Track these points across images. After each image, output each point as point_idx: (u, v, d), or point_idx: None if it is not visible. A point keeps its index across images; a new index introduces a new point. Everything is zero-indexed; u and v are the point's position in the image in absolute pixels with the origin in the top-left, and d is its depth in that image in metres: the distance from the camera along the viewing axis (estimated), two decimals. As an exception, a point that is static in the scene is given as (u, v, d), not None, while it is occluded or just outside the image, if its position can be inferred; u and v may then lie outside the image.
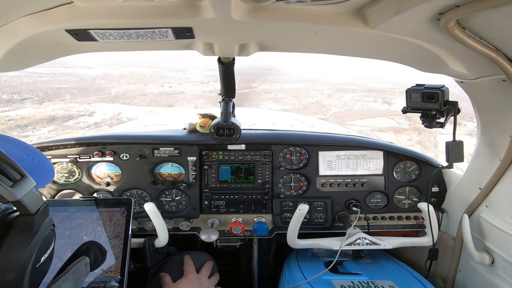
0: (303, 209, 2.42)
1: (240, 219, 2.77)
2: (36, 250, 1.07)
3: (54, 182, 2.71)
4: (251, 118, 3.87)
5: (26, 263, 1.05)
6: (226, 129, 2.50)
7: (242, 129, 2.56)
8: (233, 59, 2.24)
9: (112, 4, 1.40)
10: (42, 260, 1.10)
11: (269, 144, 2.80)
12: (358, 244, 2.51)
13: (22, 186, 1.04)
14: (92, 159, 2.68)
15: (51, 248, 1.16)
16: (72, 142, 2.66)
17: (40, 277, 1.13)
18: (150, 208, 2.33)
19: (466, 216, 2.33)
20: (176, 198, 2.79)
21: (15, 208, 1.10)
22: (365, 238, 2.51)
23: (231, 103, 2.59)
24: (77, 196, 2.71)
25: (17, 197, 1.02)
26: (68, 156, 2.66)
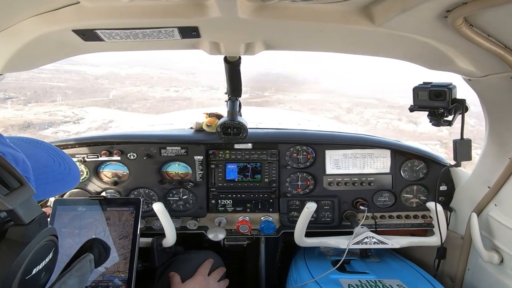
0: (311, 207, 2.41)
1: (247, 218, 2.78)
2: (26, 262, 1.02)
3: None
4: (257, 117, 3.87)
5: (12, 274, 1.00)
6: (233, 128, 2.51)
7: (249, 128, 2.56)
8: (239, 58, 2.24)
9: (118, 4, 1.41)
10: (34, 272, 1.05)
11: (275, 143, 2.80)
12: (366, 243, 2.50)
13: (19, 195, 1.00)
14: (100, 159, 2.70)
15: (47, 259, 1.11)
16: (80, 141, 2.68)
17: None
18: (158, 208, 2.34)
19: (474, 215, 2.32)
20: (183, 197, 2.80)
21: None
22: (373, 237, 2.50)
23: (238, 102, 2.59)
24: (85, 196, 2.72)
25: (9, 206, 0.98)
26: (76, 156, 2.68)
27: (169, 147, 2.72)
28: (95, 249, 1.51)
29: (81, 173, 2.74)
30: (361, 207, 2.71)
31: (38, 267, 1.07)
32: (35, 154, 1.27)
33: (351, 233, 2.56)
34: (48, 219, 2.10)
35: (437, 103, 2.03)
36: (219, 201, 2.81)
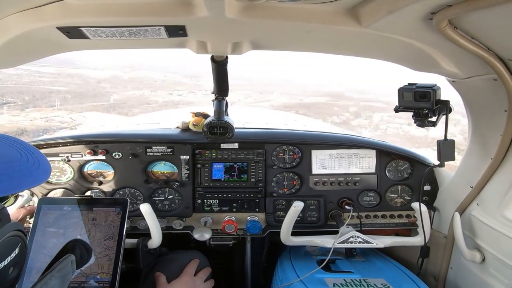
0: (298, 206, 2.42)
1: (233, 217, 2.77)
2: None
3: (46, 181, 2.68)
4: (244, 117, 3.87)
5: None
6: (219, 127, 2.50)
7: (235, 128, 2.55)
8: (226, 57, 2.23)
9: (104, 2, 1.40)
10: None
11: (262, 143, 2.81)
12: (351, 242, 2.52)
13: None
14: (84, 158, 2.66)
15: (13, 255, 1.09)
16: (64, 140, 2.64)
17: (1, 284, 1.08)
18: (145, 209, 2.31)
19: (457, 215, 2.35)
20: (169, 197, 2.78)
21: None
22: (358, 237, 2.52)
23: (224, 102, 2.58)
24: (69, 195, 2.68)
25: None
26: (60, 155, 2.64)
27: (155, 147, 2.70)
28: (77, 250, 1.50)
29: (65, 172, 2.70)
30: (347, 207, 2.73)
31: (3, 262, 1.05)
32: (2, 150, 1.24)
33: (336, 232, 2.57)
34: (32, 219, 2.07)
35: (421, 104, 2.06)
36: (205, 200, 2.80)
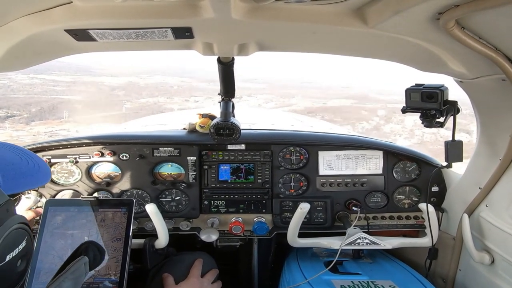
0: (304, 207, 2.42)
1: (240, 219, 2.77)
2: None
3: (54, 182, 2.71)
4: (250, 118, 3.87)
5: None
6: (225, 129, 2.51)
7: (242, 129, 2.56)
8: (233, 58, 2.24)
9: (111, 4, 1.40)
10: (7, 259, 1.05)
11: (269, 144, 2.80)
12: (358, 243, 2.51)
13: None
14: (92, 159, 2.68)
15: (21, 247, 1.10)
16: (72, 142, 2.66)
17: (10, 276, 1.09)
18: (151, 209, 2.33)
19: (466, 216, 2.33)
20: (176, 198, 2.78)
21: None
22: (365, 238, 2.51)
23: (231, 103, 2.59)
24: (77, 197, 2.70)
25: None
26: (68, 156, 2.66)
27: (162, 148, 2.70)
28: (90, 252, 1.51)
29: (73, 174, 2.72)
30: (354, 208, 2.72)
31: (11, 254, 1.06)
32: (2, 154, 1.29)
33: (343, 234, 2.57)
34: (39, 219, 2.08)
35: (429, 104, 2.05)
36: (212, 202, 2.81)
